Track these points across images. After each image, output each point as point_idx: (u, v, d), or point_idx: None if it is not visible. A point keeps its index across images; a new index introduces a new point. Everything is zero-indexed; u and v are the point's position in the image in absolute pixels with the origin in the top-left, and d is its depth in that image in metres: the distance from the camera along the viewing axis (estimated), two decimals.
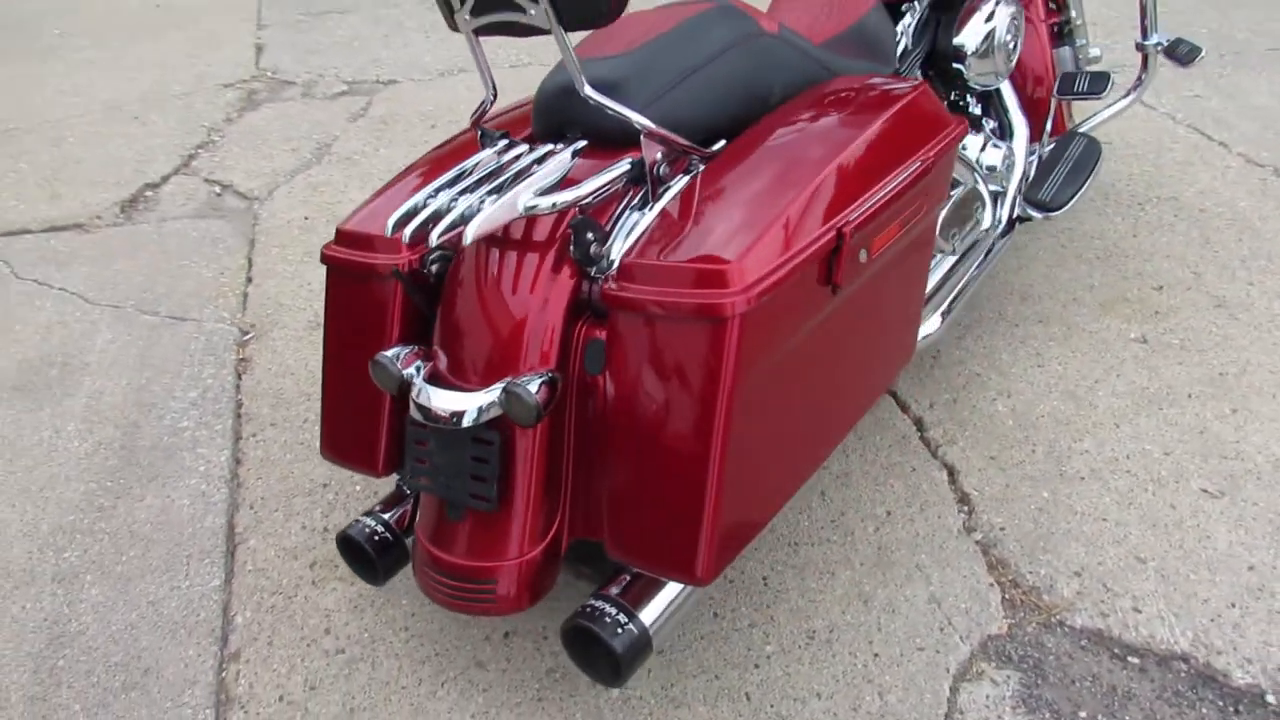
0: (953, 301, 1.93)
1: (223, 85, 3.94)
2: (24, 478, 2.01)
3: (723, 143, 1.37)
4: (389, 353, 1.34)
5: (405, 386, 1.31)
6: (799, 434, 1.27)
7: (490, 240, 1.32)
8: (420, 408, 1.27)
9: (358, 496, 1.91)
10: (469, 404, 1.23)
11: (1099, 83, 2.17)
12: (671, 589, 1.28)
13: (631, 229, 1.27)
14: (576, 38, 1.24)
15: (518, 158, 1.34)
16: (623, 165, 1.28)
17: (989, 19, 1.94)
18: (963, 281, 1.97)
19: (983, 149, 2.06)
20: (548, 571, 1.31)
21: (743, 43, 1.44)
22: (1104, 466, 1.87)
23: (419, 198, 1.28)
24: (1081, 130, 2.28)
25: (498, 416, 1.23)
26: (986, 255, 2.07)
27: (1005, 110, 2.19)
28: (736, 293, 1.09)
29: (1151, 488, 1.81)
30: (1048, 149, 2.25)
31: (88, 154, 3.41)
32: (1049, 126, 2.26)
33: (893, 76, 1.51)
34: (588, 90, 1.25)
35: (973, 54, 1.93)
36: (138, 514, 1.90)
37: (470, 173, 1.33)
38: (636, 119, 1.26)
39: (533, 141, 1.39)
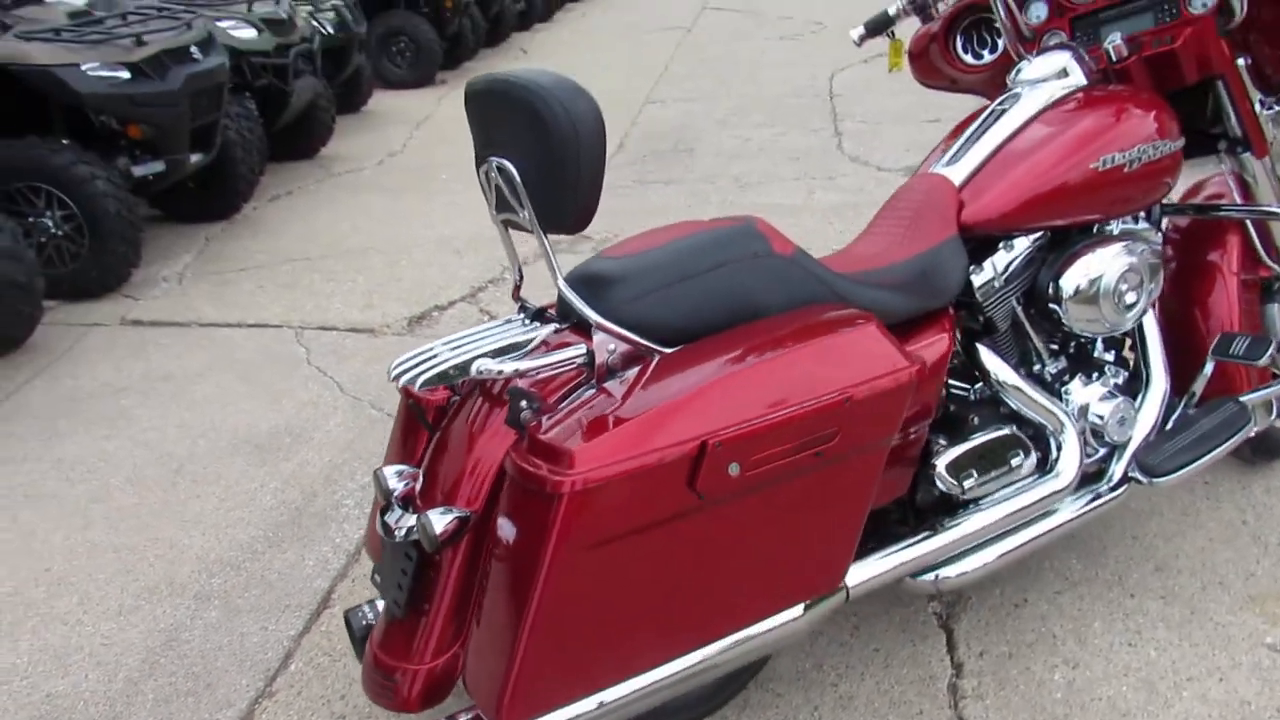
0: (1013, 552, 1.82)
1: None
2: (223, 515, 2.55)
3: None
4: (389, 468, 1.62)
5: (390, 497, 1.58)
6: (651, 621, 1.34)
7: (480, 389, 1.57)
8: (381, 519, 1.53)
9: None
10: (403, 523, 1.47)
11: (1257, 349, 1.95)
12: None
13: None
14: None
15: (519, 328, 1.59)
16: (576, 350, 1.48)
17: (1099, 263, 1.86)
18: (1037, 534, 1.85)
19: (1095, 397, 1.93)
20: (443, 685, 1.48)
21: (744, 260, 1.58)
22: None
23: (430, 346, 1.57)
24: (1243, 398, 2.04)
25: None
26: (1090, 506, 1.91)
27: (1145, 361, 2.04)
28: (575, 474, 1.24)
29: None
30: (1195, 409, 2.04)
31: (409, 276, 4.19)
32: (1200, 386, 2.05)
33: (843, 307, 1.54)
34: (560, 284, 1.48)
35: (1070, 298, 1.86)
36: (275, 564, 2.34)
37: (480, 334, 1.60)
38: (590, 315, 1.46)
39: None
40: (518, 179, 1.44)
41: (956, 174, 1.93)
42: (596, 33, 11.74)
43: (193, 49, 4.15)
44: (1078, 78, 1.99)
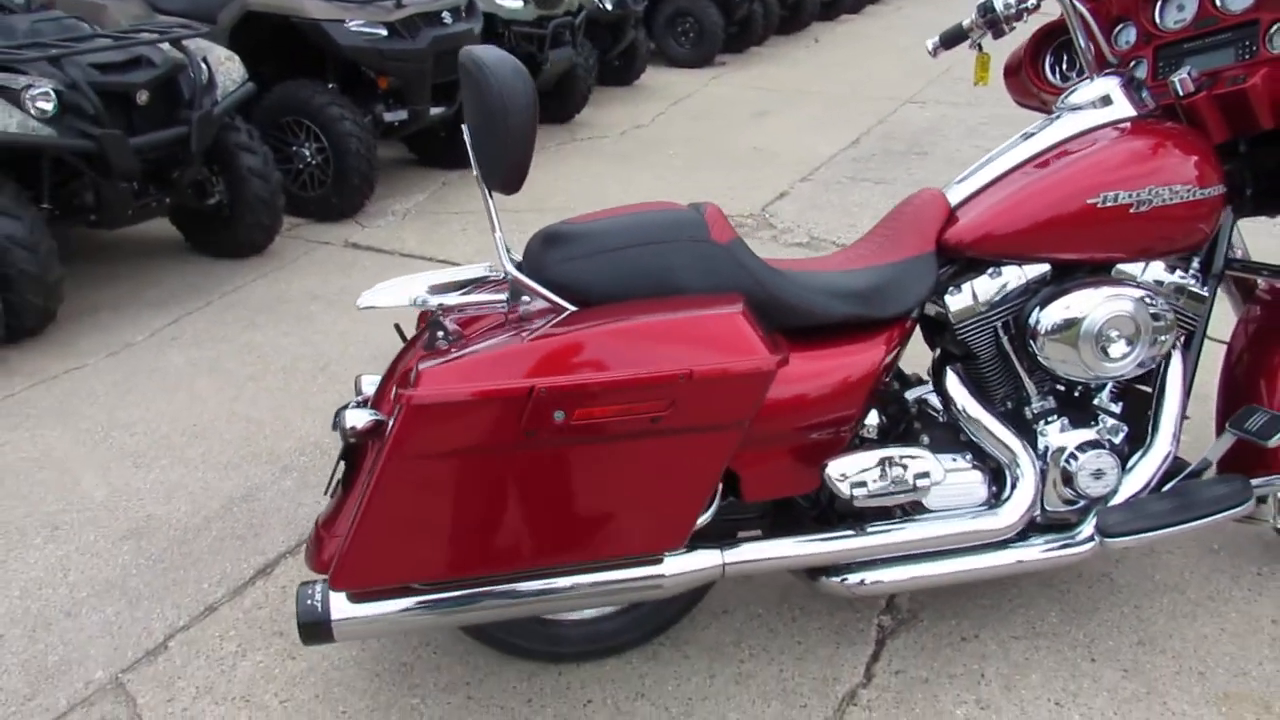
0: (945, 576, 1.81)
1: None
2: (332, 410, 3.00)
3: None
4: (367, 376, 1.93)
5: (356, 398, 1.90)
6: (483, 532, 1.53)
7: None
8: (336, 414, 1.85)
9: None
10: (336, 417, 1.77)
11: (1271, 427, 1.76)
12: (384, 607, 1.64)
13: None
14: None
15: (484, 272, 1.83)
16: (496, 295, 1.69)
17: (1085, 303, 1.76)
18: (977, 566, 1.82)
19: (1072, 444, 1.84)
20: None
21: (678, 242, 1.70)
22: None
23: (409, 277, 1.84)
24: (1254, 481, 1.83)
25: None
26: (1049, 554, 1.84)
27: (1155, 418, 1.89)
28: (417, 392, 1.46)
29: None
30: (1202, 476, 1.86)
31: None
32: (1214, 455, 1.86)
33: (717, 297, 1.60)
34: (495, 236, 1.70)
35: (1047, 334, 1.77)
36: None
37: (455, 273, 1.85)
38: (509, 269, 1.66)
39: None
40: (469, 140, 1.67)
41: (957, 193, 1.91)
42: (898, 28, 11.48)
43: (445, 14, 4.70)
44: (1123, 108, 1.88)
